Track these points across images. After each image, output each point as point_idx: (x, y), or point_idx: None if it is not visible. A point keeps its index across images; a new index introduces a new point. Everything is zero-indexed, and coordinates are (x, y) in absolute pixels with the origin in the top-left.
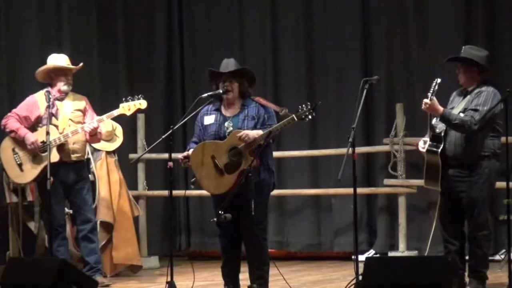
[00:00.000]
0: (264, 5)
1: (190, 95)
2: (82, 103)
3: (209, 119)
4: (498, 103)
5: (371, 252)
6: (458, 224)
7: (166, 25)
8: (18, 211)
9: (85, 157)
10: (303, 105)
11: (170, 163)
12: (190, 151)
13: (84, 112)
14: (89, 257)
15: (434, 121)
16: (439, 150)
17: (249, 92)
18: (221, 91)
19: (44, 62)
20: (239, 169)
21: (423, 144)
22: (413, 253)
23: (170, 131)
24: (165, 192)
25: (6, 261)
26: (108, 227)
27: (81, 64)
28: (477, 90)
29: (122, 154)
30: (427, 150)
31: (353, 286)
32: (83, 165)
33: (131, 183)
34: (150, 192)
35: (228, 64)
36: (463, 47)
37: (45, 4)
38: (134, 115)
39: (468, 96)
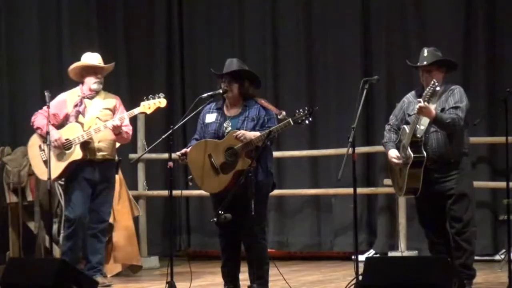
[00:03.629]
0: (264, 5)
1: (190, 95)
2: (113, 101)
3: (210, 118)
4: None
5: (371, 252)
6: (443, 224)
7: (166, 25)
8: (18, 211)
9: (115, 157)
10: (300, 110)
11: (170, 163)
12: (188, 148)
13: (113, 111)
14: (92, 256)
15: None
16: (425, 155)
17: (250, 94)
18: (221, 91)
19: (45, 63)
20: (235, 169)
21: (396, 157)
22: (413, 253)
23: (170, 131)
24: (165, 192)
25: (6, 261)
26: (108, 227)
27: (112, 63)
28: (445, 89)
29: (122, 154)
30: (414, 157)
31: (353, 286)
32: (111, 165)
33: (131, 183)
34: (150, 192)
35: (231, 65)
36: (425, 49)
37: (45, 4)
38: (134, 116)
39: (439, 97)
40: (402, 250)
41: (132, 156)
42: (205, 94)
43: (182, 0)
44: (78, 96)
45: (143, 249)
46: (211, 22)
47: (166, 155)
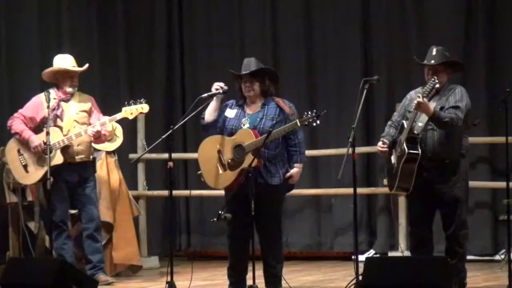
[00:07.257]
0: (264, 5)
1: (190, 95)
2: (88, 104)
3: (230, 113)
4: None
5: (371, 252)
6: (431, 226)
7: (166, 25)
8: (18, 211)
9: (90, 157)
10: (308, 112)
11: (170, 163)
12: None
13: (89, 113)
14: (92, 256)
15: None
16: (420, 153)
17: (271, 91)
18: (221, 91)
19: (45, 62)
20: (240, 167)
21: (382, 144)
22: None
23: (170, 131)
24: (165, 192)
25: (6, 261)
26: (108, 227)
27: (86, 65)
28: (447, 88)
29: (122, 154)
30: (409, 153)
31: (353, 286)
32: (88, 166)
33: (131, 183)
34: (150, 192)
35: (249, 64)
36: (435, 48)
37: (45, 4)
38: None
39: (440, 96)
40: (402, 250)
41: (132, 156)
42: (205, 94)
43: (182, 0)
44: (54, 99)
45: (143, 249)
46: (211, 22)
47: (166, 155)
